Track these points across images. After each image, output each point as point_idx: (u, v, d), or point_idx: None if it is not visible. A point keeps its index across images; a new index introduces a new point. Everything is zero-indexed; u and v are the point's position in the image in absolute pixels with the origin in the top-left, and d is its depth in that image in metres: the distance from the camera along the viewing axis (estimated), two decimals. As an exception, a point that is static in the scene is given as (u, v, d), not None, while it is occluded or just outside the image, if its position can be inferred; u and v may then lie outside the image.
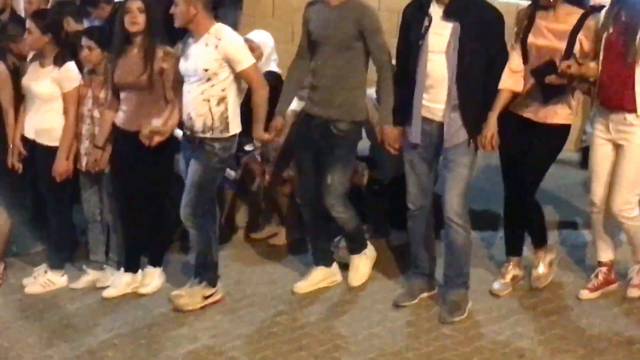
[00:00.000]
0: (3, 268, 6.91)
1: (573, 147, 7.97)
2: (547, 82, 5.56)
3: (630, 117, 5.54)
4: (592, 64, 5.57)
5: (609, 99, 5.59)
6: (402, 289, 6.22)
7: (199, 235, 6.15)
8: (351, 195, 6.28)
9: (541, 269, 6.12)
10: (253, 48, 6.70)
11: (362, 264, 6.37)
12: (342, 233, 6.42)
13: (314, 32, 5.99)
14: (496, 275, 6.24)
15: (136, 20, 6.11)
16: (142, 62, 6.12)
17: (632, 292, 5.95)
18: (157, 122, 6.08)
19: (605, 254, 5.99)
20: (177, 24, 5.92)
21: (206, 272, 6.23)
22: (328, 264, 6.39)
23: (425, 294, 6.06)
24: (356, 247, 6.40)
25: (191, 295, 6.19)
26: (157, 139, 6.05)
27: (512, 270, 6.13)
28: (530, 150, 5.75)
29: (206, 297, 6.20)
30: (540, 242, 6.15)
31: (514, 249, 6.16)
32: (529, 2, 5.78)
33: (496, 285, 6.11)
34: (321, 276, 6.35)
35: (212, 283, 6.25)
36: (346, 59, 5.90)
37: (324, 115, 5.99)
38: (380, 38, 5.88)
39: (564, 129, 5.79)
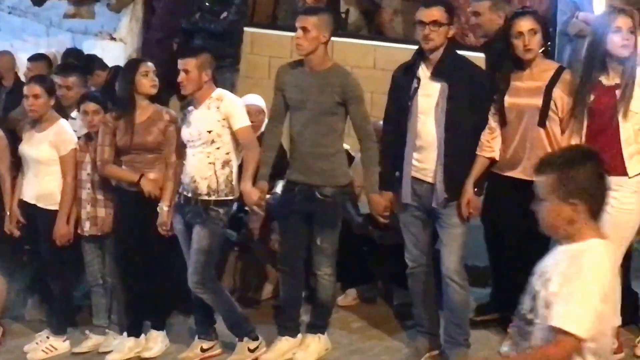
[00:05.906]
0: (2, 333, 6.85)
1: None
2: None
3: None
4: None
5: None
6: (407, 348, 6.19)
7: (216, 299, 6.08)
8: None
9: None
10: (257, 112, 6.88)
11: (314, 345, 6.16)
12: (313, 303, 6.26)
13: (291, 97, 5.94)
14: (499, 333, 6.17)
15: (156, 82, 6.21)
16: (149, 124, 6.22)
17: None
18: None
19: None
20: (187, 91, 5.96)
21: (242, 328, 6.17)
22: (294, 334, 6.23)
23: (431, 353, 5.99)
24: (320, 325, 6.22)
25: (238, 353, 6.13)
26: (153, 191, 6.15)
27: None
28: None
29: (252, 350, 6.13)
30: None
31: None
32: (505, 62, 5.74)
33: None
34: (287, 347, 6.20)
35: (253, 336, 6.16)
36: (326, 124, 5.87)
37: (306, 181, 5.93)
38: (363, 107, 5.87)
39: None
